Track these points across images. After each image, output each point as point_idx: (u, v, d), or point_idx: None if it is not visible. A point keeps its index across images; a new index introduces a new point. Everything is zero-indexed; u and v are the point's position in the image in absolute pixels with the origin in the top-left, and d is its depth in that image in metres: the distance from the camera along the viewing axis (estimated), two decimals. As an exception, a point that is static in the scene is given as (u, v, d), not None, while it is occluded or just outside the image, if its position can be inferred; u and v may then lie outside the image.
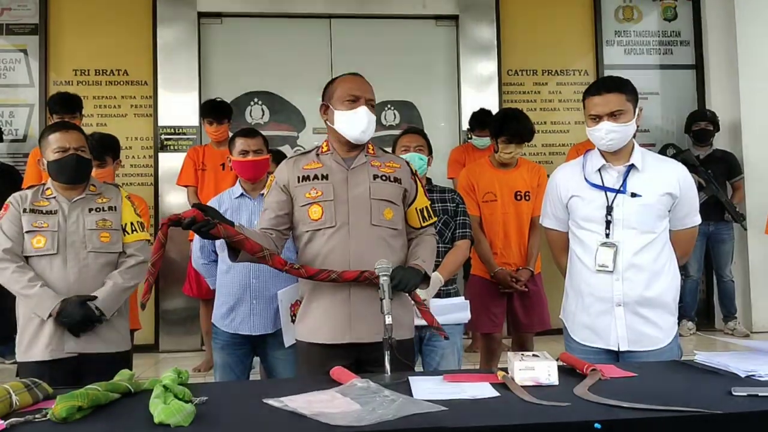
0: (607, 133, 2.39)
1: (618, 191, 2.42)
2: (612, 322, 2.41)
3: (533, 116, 3.84)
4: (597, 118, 2.41)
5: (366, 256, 2.20)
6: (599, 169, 2.47)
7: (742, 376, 1.84)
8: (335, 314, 2.24)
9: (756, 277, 5.62)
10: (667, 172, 2.47)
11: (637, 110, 2.44)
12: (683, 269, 5.36)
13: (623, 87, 2.43)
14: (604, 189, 2.44)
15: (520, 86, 5.93)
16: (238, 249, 2.09)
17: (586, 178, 2.49)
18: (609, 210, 2.41)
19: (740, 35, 5.77)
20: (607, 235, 2.41)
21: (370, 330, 2.18)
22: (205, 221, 1.95)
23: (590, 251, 2.44)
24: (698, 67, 6.07)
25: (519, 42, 5.90)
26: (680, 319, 5.36)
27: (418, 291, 2.30)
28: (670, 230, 2.48)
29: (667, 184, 2.42)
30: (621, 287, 2.40)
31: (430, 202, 2.45)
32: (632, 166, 2.44)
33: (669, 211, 2.45)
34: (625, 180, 2.43)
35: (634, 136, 2.48)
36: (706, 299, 5.88)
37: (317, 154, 2.39)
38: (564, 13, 6.00)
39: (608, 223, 2.41)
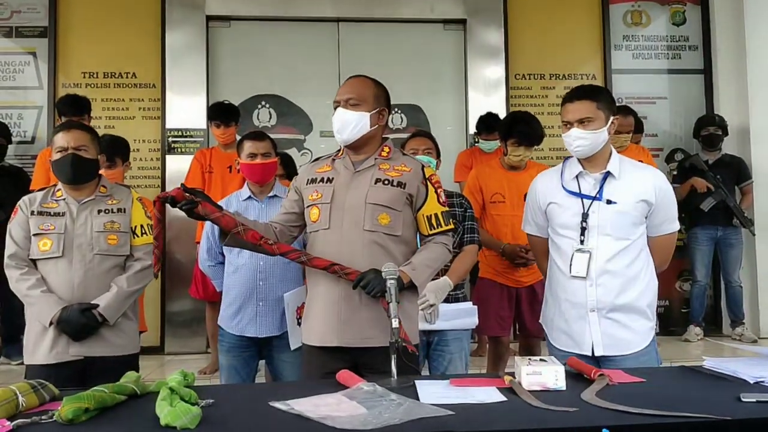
0: (574, 140, 2.44)
1: (594, 198, 2.44)
2: (586, 328, 2.43)
3: (541, 120, 3.82)
4: (568, 125, 2.46)
5: (356, 260, 2.20)
6: (577, 176, 2.50)
7: (751, 382, 1.83)
8: (326, 317, 2.26)
9: (764, 283, 5.59)
10: (643, 179, 2.48)
11: (611, 119, 2.46)
12: (691, 274, 5.42)
13: (596, 95, 2.47)
14: (581, 196, 2.47)
15: (527, 90, 5.91)
16: (227, 232, 2.19)
17: (563, 185, 2.52)
18: (584, 217, 2.43)
19: (749, 40, 5.74)
20: (582, 242, 2.43)
21: (359, 335, 2.20)
22: (186, 201, 2.05)
23: (566, 257, 2.46)
24: (707, 71, 6.04)
25: (527, 46, 5.89)
26: (688, 324, 5.41)
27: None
28: (648, 237, 2.49)
29: (642, 191, 2.44)
30: (594, 293, 2.42)
31: (444, 209, 2.35)
32: (608, 173, 2.46)
33: (646, 218, 2.46)
34: (601, 187, 2.45)
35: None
36: (714, 305, 5.85)
37: (333, 159, 2.42)
38: (572, 17, 5.99)
39: (583, 230, 2.43)
